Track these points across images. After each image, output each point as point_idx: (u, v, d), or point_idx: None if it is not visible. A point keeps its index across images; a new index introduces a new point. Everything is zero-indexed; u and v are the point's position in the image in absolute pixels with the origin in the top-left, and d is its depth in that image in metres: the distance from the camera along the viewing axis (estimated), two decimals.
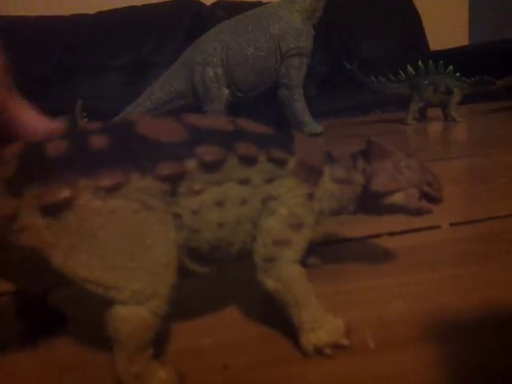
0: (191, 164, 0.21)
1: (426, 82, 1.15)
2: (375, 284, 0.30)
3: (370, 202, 0.28)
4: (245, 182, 0.23)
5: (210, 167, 0.22)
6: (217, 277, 0.32)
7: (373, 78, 1.20)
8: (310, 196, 0.25)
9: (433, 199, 0.28)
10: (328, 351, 0.23)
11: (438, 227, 0.39)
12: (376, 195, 0.27)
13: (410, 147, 0.79)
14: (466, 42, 2.47)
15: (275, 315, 0.26)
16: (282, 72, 1.07)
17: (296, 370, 0.22)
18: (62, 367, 0.24)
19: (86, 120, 1.07)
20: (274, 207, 0.24)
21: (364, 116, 1.48)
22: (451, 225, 0.40)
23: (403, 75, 1.19)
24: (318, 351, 0.23)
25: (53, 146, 0.20)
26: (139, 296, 0.20)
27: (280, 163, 0.24)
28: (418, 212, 0.28)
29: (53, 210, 0.19)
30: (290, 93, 1.08)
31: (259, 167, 0.23)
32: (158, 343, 0.25)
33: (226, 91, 1.08)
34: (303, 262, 0.25)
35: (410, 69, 1.17)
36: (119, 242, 0.20)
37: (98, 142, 0.20)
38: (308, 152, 0.26)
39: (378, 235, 0.38)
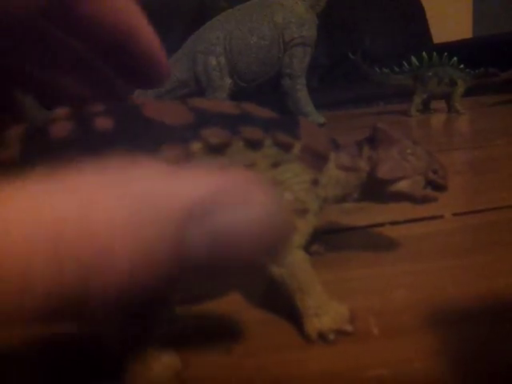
0: (196, 146, 0.21)
1: (430, 73, 1.15)
2: (377, 272, 0.30)
3: (375, 190, 0.27)
4: (250, 166, 0.23)
5: (215, 150, 0.21)
6: None
7: (376, 69, 1.19)
8: (315, 182, 0.25)
9: (438, 187, 0.28)
10: (332, 337, 0.23)
11: (441, 217, 0.39)
12: (381, 182, 0.27)
13: (414, 139, 0.79)
14: (469, 35, 2.46)
15: (278, 301, 0.26)
16: (285, 62, 1.06)
17: (299, 356, 0.22)
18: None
19: None
20: (279, 192, 0.24)
21: (367, 107, 1.48)
22: (454, 215, 0.40)
23: (407, 67, 1.18)
24: (322, 337, 0.23)
25: (56, 127, 0.20)
26: None
27: (286, 148, 0.24)
28: (424, 200, 0.28)
29: None
30: (293, 83, 1.07)
31: (265, 151, 0.23)
32: (160, 328, 0.25)
33: (229, 80, 1.07)
34: (306, 250, 0.25)
35: (413, 60, 1.17)
36: None
37: (103, 123, 0.20)
38: (313, 137, 0.25)
39: (381, 224, 0.38)
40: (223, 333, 0.25)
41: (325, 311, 0.23)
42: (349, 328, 0.23)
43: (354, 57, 1.18)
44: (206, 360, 0.23)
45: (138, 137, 0.20)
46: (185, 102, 0.22)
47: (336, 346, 0.23)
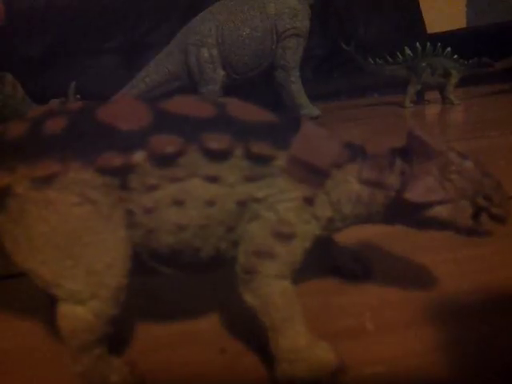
0: (139, 156, 0.19)
1: (424, 64, 1.15)
2: (374, 267, 0.30)
3: (406, 213, 0.22)
4: (213, 179, 0.19)
5: (165, 161, 0.19)
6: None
7: (370, 60, 1.19)
8: (309, 200, 0.21)
9: (493, 217, 0.22)
10: None
11: None
12: (410, 205, 0.21)
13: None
14: (463, 25, 2.45)
15: None
16: (279, 53, 1.05)
17: None
18: None
19: None
20: (258, 211, 0.20)
21: (361, 99, 1.47)
22: None
23: (401, 57, 1.18)
24: None
25: (12, 128, 0.19)
26: (77, 296, 0.18)
27: (263, 159, 0.20)
28: (472, 232, 0.23)
29: None
30: (287, 75, 1.06)
31: (233, 163, 0.20)
32: (155, 327, 0.25)
33: (222, 73, 1.06)
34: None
35: (407, 51, 1.16)
36: (56, 236, 0.18)
37: (53, 126, 0.19)
38: (312, 147, 0.21)
39: None
40: (217, 331, 0.24)
41: (301, 357, 0.20)
42: (331, 381, 0.20)
43: (347, 48, 1.18)
44: (201, 359, 0.22)
45: (80, 142, 0.19)
46: (153, 103, 0.20)
47: (331, 341, 0.22)
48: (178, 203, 0.19)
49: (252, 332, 0.24)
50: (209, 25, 1.05)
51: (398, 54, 1.18)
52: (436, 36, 1.87)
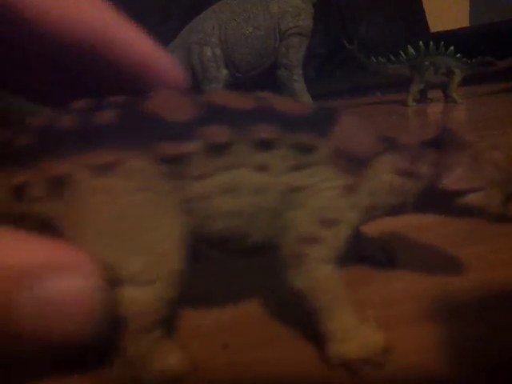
0: (195, 146, 0.19)
1: (427, 62, 1.14)
2: (376, 264, 0.30)
3: (438, 201, 0.23)
4: (262, 168, 0.20)
5: (218, 150, 0.20)
6: (215, 258, 0.32)
7: (373, 59, 1.19)
8: (350, 188, 0.22)
9: None
10: (357, 367, 0.20)
11: None
12: (446, 193, 0.22)
13: (411, 129, 0.79)
14: (466, 24, 2.45)
15: (274, 295, 0.25)
16: (281, 52, 1.06)
17: (295, 351, 0.22)
18: None
19: None
20: (303, 199, 0.21)
21: (364, 97, 1.47)
22: None
23: (404, 56, 1.18)
24: (346, 365, 0.20)
25: (62, 119, 0.20)
26: (138, 278, 0.19)
27: (307, 149, 0.21)
28: (502, 218, 0.23)
29: (56, 185, 0.19)
30: (289, 73, 1.06)
31: (280, 152, 0.20)
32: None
33: (225, 71, 1.06)
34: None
35: (410, 49, 1.16)
36: (115, 222, 0.19)
37: (106, 117, 0.19)
38: (351, 137, 0.22)
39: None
40: (220, 327, 0.25)
41: (352, 336, 0.21)
42: (381, 359, 0.20)
43: (350, 46, 1.18)
44: (203, 354, 0.22)
45: (136, 132, 0.19)
46: (197, 95, 0.21)
47: None
48: (229, 191, 0.20)
49: (254, 327, 0.24)
50: (211, 23, 1.05)
51: (401, 52, 1.18)
52: (439, 35, 1.87)
